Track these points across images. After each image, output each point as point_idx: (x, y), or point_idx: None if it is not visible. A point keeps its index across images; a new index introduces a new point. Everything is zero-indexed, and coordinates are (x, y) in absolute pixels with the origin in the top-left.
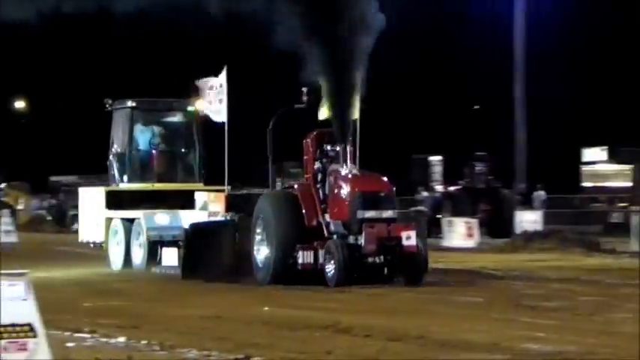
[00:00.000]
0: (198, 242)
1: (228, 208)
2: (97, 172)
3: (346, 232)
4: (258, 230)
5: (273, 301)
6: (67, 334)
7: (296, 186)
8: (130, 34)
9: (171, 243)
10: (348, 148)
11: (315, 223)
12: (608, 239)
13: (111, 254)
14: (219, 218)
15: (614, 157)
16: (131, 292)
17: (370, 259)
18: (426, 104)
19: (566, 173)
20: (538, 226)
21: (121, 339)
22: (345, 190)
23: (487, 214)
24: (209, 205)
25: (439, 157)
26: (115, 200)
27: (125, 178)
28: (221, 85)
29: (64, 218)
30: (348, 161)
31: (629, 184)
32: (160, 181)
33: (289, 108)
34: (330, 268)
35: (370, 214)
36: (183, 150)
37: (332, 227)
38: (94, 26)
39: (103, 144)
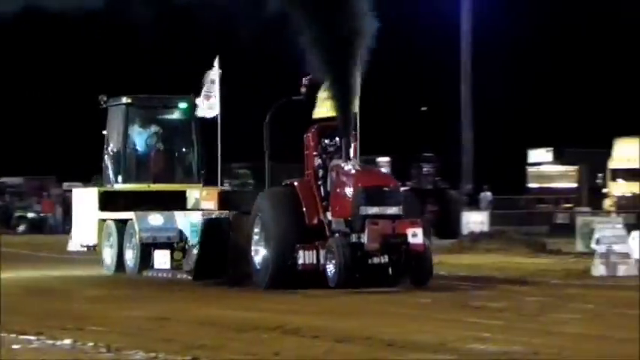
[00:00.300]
0: (214, 240)
1: (221, 206)
2: (44, 174)
3: (348, 231)
4: (256, 230)
5: (221, 302)
6: (13, 336)
7: (296, 183)
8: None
9: (164, 245)
10: (351, 143)
11: (316, 221)
12: (554, 240)
13: (104, 257)
14: (214, 216)
15: (559, 159)
16: (77, 294)
17: (375, 259)
18: (373, 105)
19: (512, 174)
20: (484, 227)
21: (67, 341)
22: (348, 185)
23: (434, 214)
24: (201, 203)
25: (387, 159)
26: (109, 201)
27: (120, 178)
28: (213, 82)
29: (10, 220)
30: (350, 156)
31: (575, 185)
32: (156, 181)
33: (287, 100)
34: (330, 268)
35: (373, 210)
36: (181, 149)
37: (334, 226)
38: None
39: (50, 145)
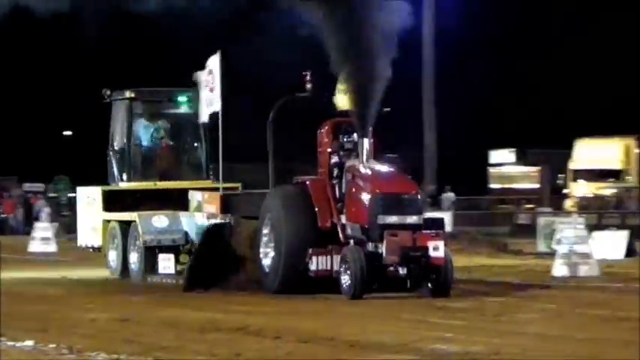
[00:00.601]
0: (210, 248)
1: (223, 209)
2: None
3: (364, 238)
4: (265, 231)
5: (183, 304)
6: None
7: (308, 182)
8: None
9: (169, 248)
10: (367, 141)
11: (329, 224)
12: (515, 240)
13: (109, 260)
14: (218, 221)
15: (521, 159)
16: (37, 295)
17: (392, 269)
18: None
19: (474, 175)
20: (447, 228)
21: (29, 342)
22: (365, 190)
23: None
24: (204, 206)
25: None
26: (114, 201)
27: (124, 176)
28: (211, 72)
29: None
30: (366, 156)
31: (537, 185)
32: (163, 179)
33: (291, 97)
34: (345, 279)
35: (392, 219)
36: (188, 144)
37: (349, 230)
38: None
39: (11, 145)
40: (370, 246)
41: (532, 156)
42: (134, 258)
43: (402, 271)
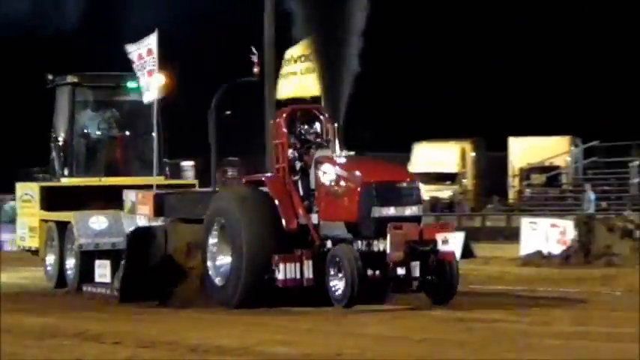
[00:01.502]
0: (142, 254)
1: (157, 212)
2: None
3: (351, 237)
4: (213, 240)
5: (22, 309)
6: None
7: (265, 179)
8: None
9: (110, 253)
10: (337, 128)
11: (295, 225)
12: None
13: (47, 265)
14: (154, 223)
15: None
16: None
17: (399, 271)
18: (173, 108)
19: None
20: None
21: None
22: (351, 181)
23: None
24: (137, 207)
25: (191, 163)
26: (53, 199)
27: (66, 171)
28: (151, 52)
29: None
30: (338, 145)
31: None
32: (109, 174)
33: (236, 82)
34: (337, 285)
35: (390, 211)
36: (139, 135)
37: (324, 230)
38: None
39: None
40: (361, 244)
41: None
42: (70, 264)
43: (401, 270)
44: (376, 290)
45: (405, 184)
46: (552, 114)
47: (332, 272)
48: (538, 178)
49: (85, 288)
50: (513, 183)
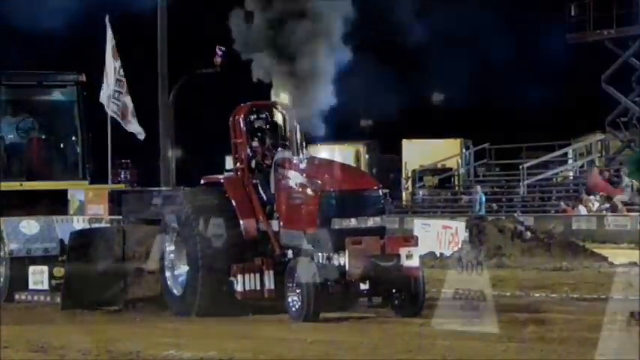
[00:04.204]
0: (83, 258)
1: (112, 211)
2: None
3: (311, 248)
4: (171, 247)
5: None
6: None
7: (224, 181)
8: None
9: (42, 259)
10: (299, 129)
11: (256, 233)
12: None
13: None
14: (103, 225)
15: None
16: None
17: (362, 286)
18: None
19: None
20: None
21: None
22: (311, 188)
23: None
24: (87, 207)
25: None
26: None
27: None
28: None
29: None
30: (298, 146)
31: None
32: (30, 178)
33: (195, 73)
34: (294, 300)
35: (352, 222)
36: (62, 137)
37: (285, 239)
38: None
39: None
40: (321, 257)
41: None
42: (0, 271)
43: (364, 285)
44: (338, 302)
45: (367, 193)
46: (444, 117)
47: (290, 286)
48: (430, 180)
49: (17, 296)
50: (407, 185)
